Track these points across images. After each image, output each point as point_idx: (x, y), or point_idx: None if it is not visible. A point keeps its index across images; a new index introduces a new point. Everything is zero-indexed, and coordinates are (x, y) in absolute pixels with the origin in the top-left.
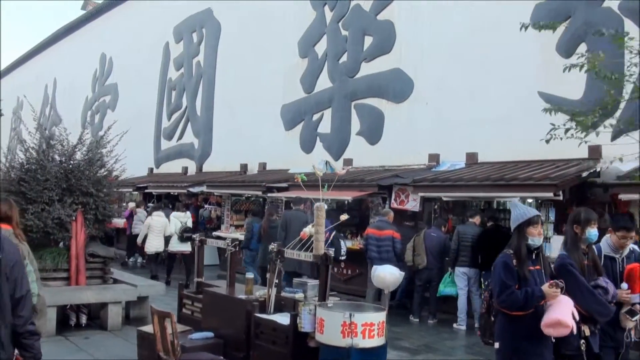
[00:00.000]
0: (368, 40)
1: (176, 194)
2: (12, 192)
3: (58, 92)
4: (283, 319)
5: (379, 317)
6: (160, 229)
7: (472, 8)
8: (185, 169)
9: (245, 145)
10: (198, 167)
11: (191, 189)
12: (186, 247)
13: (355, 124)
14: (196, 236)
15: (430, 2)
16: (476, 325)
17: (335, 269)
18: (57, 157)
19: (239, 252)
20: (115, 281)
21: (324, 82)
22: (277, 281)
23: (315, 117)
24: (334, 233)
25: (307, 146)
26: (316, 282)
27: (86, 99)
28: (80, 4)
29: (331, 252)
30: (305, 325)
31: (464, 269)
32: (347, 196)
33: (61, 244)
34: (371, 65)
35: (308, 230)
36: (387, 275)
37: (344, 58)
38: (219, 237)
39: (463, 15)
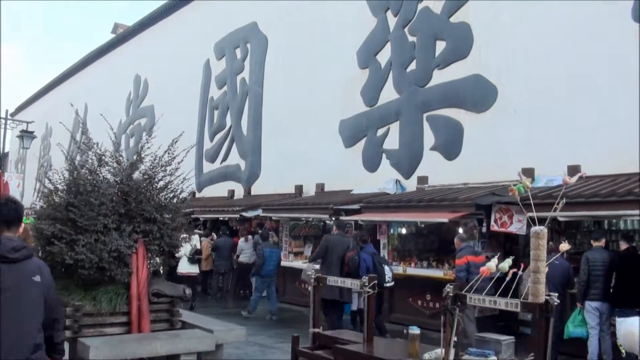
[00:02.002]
0: (440, 46)
1: (226, 219)
2: (58, 219)
3: (89, 117)
4: None
5: None
6: None
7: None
8: (232, 192)
9: (299, 165)
10: (246, 190)
11: (244, 214)
12: (195, 269)
13: (429, 138)
14: (311, 272)
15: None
16: None
17: (420, 302)
18: (110, 177)
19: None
20: (184, 325)
21: (388, 94)
22: (456, 338)
23: (380, 132)
24: (365, 255)
25: (372, 164)
26: (510, 338)
27: (120, 122)
28: (109, 28)
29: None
30: None
31: (595, 303)
32: (442, 218)
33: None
34: (445, 73)
35: (491, 265)
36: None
37: (413, 66)
38: None
39: (551, 10)
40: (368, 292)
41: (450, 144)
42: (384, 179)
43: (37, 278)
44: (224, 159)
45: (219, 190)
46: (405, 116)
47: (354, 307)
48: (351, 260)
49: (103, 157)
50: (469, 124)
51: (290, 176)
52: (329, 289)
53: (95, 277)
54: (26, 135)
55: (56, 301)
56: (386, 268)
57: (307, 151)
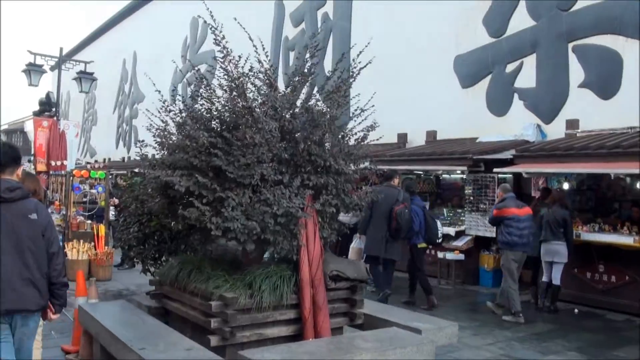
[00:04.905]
0: None
1: None
2: (196, 168)
3: (139, 66)
4: None
5: None
6: None
7: None
8: None
9: (401, 110)
10: None
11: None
12: None
13: (577, 73)
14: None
15: None
16: None
17: (589, 274)
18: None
19: None
20: (368, 319)
21: (520, 21)
22: None
23: (511, 67)
24: (416, 208)
25: (499, 106)
26: None
27: (175, 70)
28: None
29: None
30: None
31: None
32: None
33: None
34: None
35: None
36: None
37: None
38: None
39: None
40: None
41: (606, 80)
42: (519, 124)
43: (34, 216)
44: None
45: None
46: (544, 47)
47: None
48: (399, 214)
49: (268, 77)
50: (631, 55)
51: (390, 123)
52: (373, 245)
53: (234, 255)
54: (85, 76)
55: (55, 238)
56: (438, 224)
57: (412, 94)
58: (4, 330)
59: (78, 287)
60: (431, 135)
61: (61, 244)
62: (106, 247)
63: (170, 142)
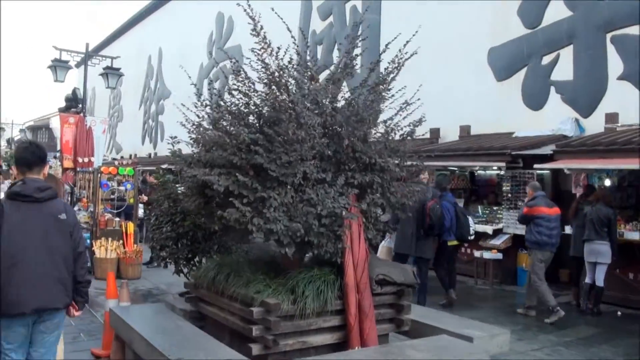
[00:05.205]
0: None
1: None
2: (235, 166)
3: (165, 62)
4: None
5: None
6: None
7: None
8: None
9: (434, 105)
10: None
11: None
12: None
13: (615, 65)
14: None
15: None
16: None
17: (632, 275)
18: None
19: None
20: (415, 326)
21: (557, 11)
22: None
23: (547, 59)
24: (446, 204)
25: (535, 100)
26: None
27: (201, 66)
28: None
29: None
30: None
31: None
32: None
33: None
34: None
35: None
36: None
37: None
38: None
39: None
40: None
41: None
42: (556, 118)
43: (63, 216)
44: None
45: None
46: (581, 38)
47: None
48: (432, 210)
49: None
50: None
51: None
52: (402, 243)
53: (271, 256)
54: (111, 72)
55: (82, 237)
56: (470, 220)
57: (444, 87)
58: (20, 332)
59: (108, 289)
60: (465, 130)
61: (88, 241)
62: (135, 245)
63: (207, 138)
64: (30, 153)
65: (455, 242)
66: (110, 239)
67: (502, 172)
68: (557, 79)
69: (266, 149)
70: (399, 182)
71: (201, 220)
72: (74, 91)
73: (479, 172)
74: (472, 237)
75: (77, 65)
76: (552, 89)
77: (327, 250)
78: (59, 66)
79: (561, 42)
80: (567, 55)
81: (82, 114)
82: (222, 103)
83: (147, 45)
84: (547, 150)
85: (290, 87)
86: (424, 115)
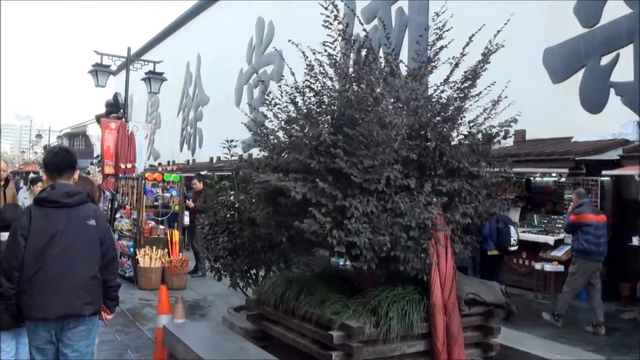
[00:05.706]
0: None
1: None
2: (311, 171)
3: (203, 69)
4: None
5: None
6: None
7: None
8: None
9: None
10: None
11: None
12: None
13: None
14: None
15: None
16: None
17: None
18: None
19: None
20: (503, 350)
21: (615, 9)
22: None
23: (606, 59)
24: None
25: (594, 103)
26: None
27: (240, 72)
28: None
29: None
30: None
31: None
32: None
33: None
34: None
35: None
36: None
37: None
38: None
39: None
40: None
41: None
42: (616, 121)
43: (92, 222)
44: None
45: None
46: None
47: None
48: None
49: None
50: None
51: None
52: None
53: (344, 272)
54: (154, 77)
55: (112, 244)
56: (512, 229)
57: (497, 90)
58: (43, 337)
59: (161, 304)
60: (520, 134)
61: (132, 250)
62: (180, 254)
63: (275, 141)
64: (61, 158)
65: (495, 252)
66: (154, 247)
67: (563, 179)
68: (617, 80)
69: (346, 152)
70: (486, 190)
71: (263, 231)
72: (115, 96)
73: (536, 179)
74: (515, 248)
75: (115, 73)
76: (612, 90)
77: (414, 266)
78: (100, 71)
79: (621, 41)
80: (627, 55)
81: (123, 119)
82: (298, 101)
83: (185, 51)
84: (613, 155)
85: (372, 82)
86: (516, 117)
